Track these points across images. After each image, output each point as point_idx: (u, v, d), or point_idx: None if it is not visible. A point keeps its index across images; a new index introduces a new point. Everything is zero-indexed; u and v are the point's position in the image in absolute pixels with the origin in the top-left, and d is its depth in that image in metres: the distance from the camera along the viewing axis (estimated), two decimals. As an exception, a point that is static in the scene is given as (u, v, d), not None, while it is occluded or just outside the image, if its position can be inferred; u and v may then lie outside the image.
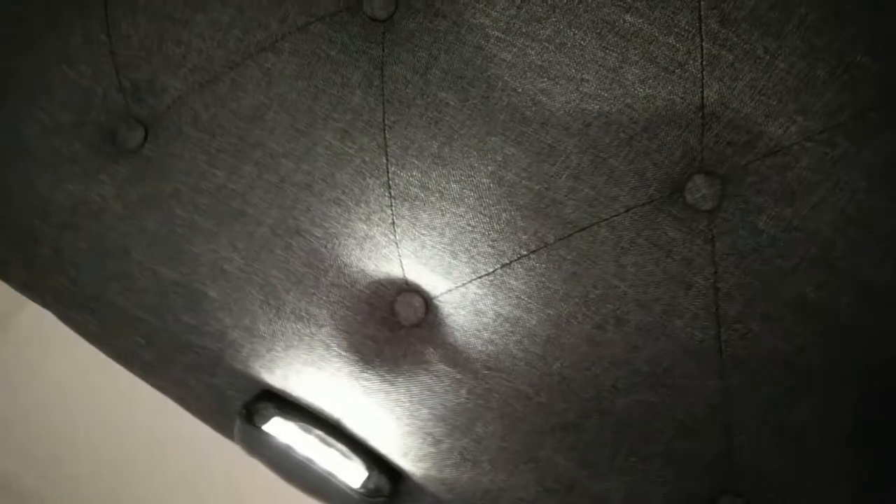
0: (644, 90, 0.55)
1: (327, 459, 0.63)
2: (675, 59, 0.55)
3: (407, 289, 0.62)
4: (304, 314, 0.64)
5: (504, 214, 0.59)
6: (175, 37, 0.64)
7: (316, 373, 0.64)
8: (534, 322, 0.59)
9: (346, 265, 0.62)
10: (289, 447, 0.63)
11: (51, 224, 0.68)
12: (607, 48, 0.56)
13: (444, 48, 0.58)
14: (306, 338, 0.64)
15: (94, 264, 0.68)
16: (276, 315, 0.64)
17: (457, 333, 0.61)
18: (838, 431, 0.56)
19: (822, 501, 0.57)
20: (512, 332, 0.59)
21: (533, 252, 0.58)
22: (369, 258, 0.62)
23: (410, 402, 0.62)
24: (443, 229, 0.60)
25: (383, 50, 0.60)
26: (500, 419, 0.60)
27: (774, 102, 0.53)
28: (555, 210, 0.58)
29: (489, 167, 0.59)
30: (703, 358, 0.56)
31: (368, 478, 0.62)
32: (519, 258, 0.59)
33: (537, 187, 0.58)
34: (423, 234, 0.60)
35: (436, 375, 0.61)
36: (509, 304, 0.59)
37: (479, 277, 0.60)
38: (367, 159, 0.61)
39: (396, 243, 0.61)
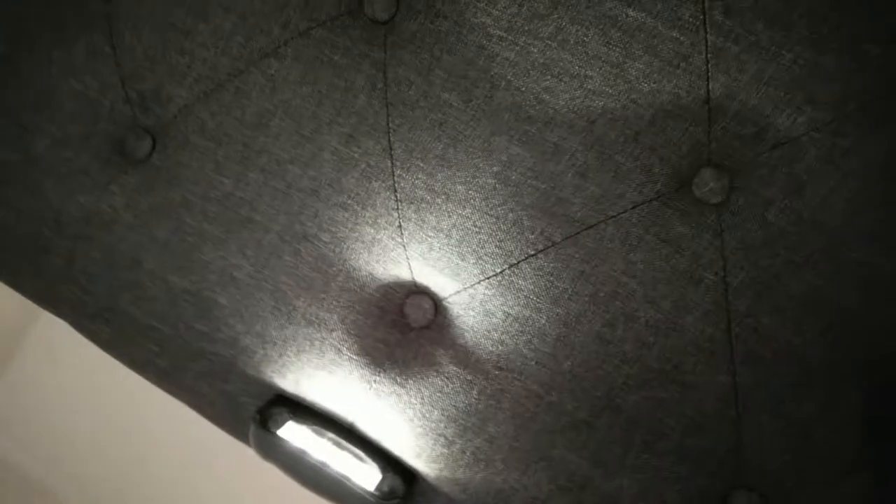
0: (649, 85, 0.55)
1: (341, 462, 0.63)
2: (680, 52, 0.54)
3: (416, 291, 0.62)
4: (314, 319, 0.64)
5: (510, 214, 0.58)
6: (178, 46, 0.64)
7: (328, 377, 0.64)
8: (543, 321, 0.59)
9: (354, 269, 0.63)
10: (303, 451, 0.63)
11: (63, 235, 0.69)
12: (610, 44, 0.55)
13: (446, 49, 0.58)
14: (317, 342, 0.64)
15: (107, 274, 0.69)
16: (286, 320, 0.65)
17: (467, 334, 0.61)
18: (845, 426, 0.55)
19: (834, 494, 0.56)
20: (522, 331, 0.59)
21: (540, 251, 0.58)
22: (377, 261, 0.62)
23: (422, 403, 0.62)
24: (450, 231, 0.60)
25: (385, 52, 0.60)
26: (512, 419, 0.60)
27: (781, 93, 0.53)
28: (561, 209, 0.58)
29: (494, 167, 0.58)
30: (714, 353, 0.56)
31: (383, 480, 0.63)
32: (526, 258, 0.59)
33: (543, 186, 0.58)
34: (430, 237, 0.60)
35: (446, 377, 0.61)
36: (518, 305, 0.59)
37: (488, 278, 0.59)
38: (372, 163, 0.61)
39: (404, 246, 0.61)
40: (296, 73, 0.62)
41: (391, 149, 0.60)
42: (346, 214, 0.62)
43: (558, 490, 0.60)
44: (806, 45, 0.52)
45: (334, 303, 0.63)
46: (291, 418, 0.65)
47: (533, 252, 0.58)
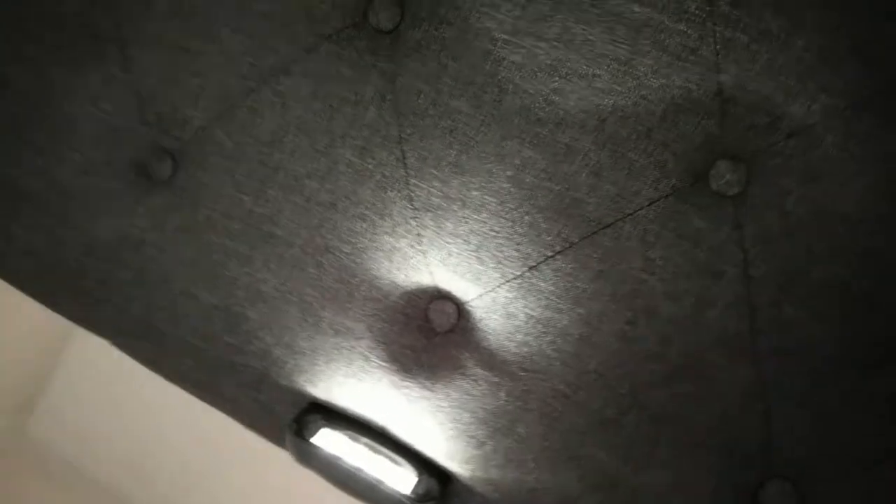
0: (658, 80, 0.54)
1: (376, 466, 0.65)
2: (688, 45, 0.53)
3: (439, 296, 0.63)
4: (341, 328, 0.65)
5: (527, 217, 0.59)
6: (191, 68, 0.65)
7: (358, 384, 0.66)
8: (565, 322, 0.59)
9: (377, 278, 0.64)
10: (338, 457, 0.65)
11: (96, 258, 0.71)
12: (617, 41, 0.55)
13: (453, 55, 0.58)
14: (346, 351, 0.65)
15: (140, 293, 0.71)
16: (314, 331, 0.66)
17: (490, 337, 0.61)
18: (873, 413, 0.55)
19: (866, 480, 0.56)
20: (545, 332, 0.60)
21: (559, 253, 0.58)
22: (399, 269, 0.63)
23: (451, 406, 0.63)
24: (467, 236, 0.60)
25: (392, 62, 0.60)
26: (540, 419, 0.61)
27: (794, 82, 0.52)
28: (577, 209, 0.58)
29: (508, 171, 0.58)
30: (737, 346, 0.56)
31: (419, 482, 0.64)
32: (545, 260, 0.59)
33: (557, 188, 0.58)
34: (448, 243, 0.61)
35: (473, 379, 0.62)
36: (540, 306, 0.59)
37: (508, 281, 0.60)
38: (387, 173, 0.62)
39: (423, 253, 0.62)
40: (306, 89, 0.62)
41: (404, 158, 0.61)
42: (365, 225, 0.63)
43: (590, 488, 0.61)
44: (817, 31, 0.51)
45: (360, 312, 0.64)
46: (326, 425, 0.66)
47: (551, 254, 0.59)
